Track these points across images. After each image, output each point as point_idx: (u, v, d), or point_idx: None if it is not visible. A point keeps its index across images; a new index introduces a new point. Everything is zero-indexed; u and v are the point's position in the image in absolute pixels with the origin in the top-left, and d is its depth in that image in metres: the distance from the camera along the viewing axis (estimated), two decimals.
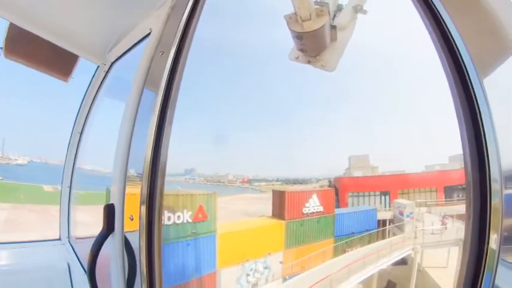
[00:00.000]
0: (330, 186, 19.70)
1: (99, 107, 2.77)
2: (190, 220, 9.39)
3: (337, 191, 16.10)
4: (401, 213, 14.82)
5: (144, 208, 1.12)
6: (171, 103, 1.18)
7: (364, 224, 14.44)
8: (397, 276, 12.92)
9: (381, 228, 14.79)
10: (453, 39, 0.75)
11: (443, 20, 0.77)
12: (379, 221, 15.12)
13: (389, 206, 16.53)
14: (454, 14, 0.75)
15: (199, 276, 9.62)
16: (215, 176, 24.70)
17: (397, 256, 12.74)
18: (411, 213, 14.42)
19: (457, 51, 0.74)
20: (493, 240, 0.66)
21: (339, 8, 1.58)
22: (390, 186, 17.04)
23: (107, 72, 2.48)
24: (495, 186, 0.66)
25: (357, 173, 19.05)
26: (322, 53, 1.42)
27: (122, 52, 2.18)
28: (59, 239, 2.82)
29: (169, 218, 8.93)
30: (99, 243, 1.23)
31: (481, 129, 0.68)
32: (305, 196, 12.96)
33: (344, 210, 14.77)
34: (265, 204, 14.77)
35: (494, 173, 0.66)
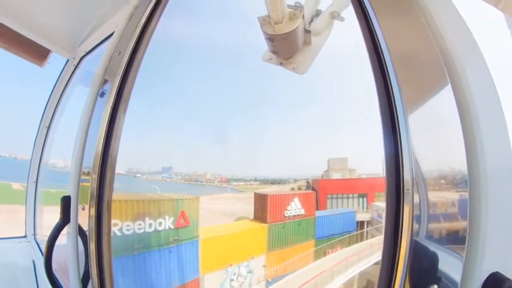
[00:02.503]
0: (308, 186, 19.89)
1: (68, 101, 2.75)
2: (172, 226, 9.15)
3: (316, 192, 16.29)
4: (379, 216, 15.23)
5: (94, 200, 1.18)
6: (125, 98, 1.26)
7: (344, 225, 14.72)
8: (375, 275, 13.20)
9: (360, 231, 15.13)
10: (388, 72, 0.81)
11: (383, 55, 0.82)
12: (357, 222, 15.47)
13: (367, 208, 16.94)
14: (392, 49, 0.80)
15: (182, 283, 9.39)
16: (193, 175, 24.17)
17: (377, 257, 13.05)
18: None
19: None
20: (404, 240, 0.72)
21: (318, 13, 1.59)
22: (367, 189, 17.46)
23: (76, 66, 2.49)
24: (407, 191, 0.73)
25: (336, 175, 19.37)
26: (294, 56, 1.44)
27: (91, 47, 2.22)
28: (25, 237, 2.72)
29: (150, 225, 8.65)
30: (55, 233, 1.28)
31: (400, 149, 0.75)
32: (287, 199, 13.03)
33: (324, 212, 14.96)
34: (245, 204, 14.68)
35: (407, 182, 0.73)
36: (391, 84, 0.78)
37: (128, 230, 8.14)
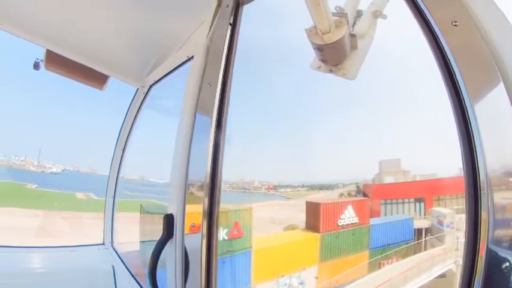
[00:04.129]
0: (358, 191, 19.08)
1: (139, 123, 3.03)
2: (226, 237, 9.24)
3: (368, 198, 15.54)
4: (440, 223, 14.07)
5: (205, 218, 1.28)
6: (223, 126, 1.37)
7: (400, 234, 13.84)
8: None
9: (418, 240, 14.11)
10: (452, 69, 0.83)
11: (444, 51, 0.85)
12: (414, 230, 14.43)
13: (425, 214, 15.76)
14: (452, 46, 0.83)
15: None
16: (240, 183, 24.51)
17: (438, 270, 12.09)
18: (451, 223, 13.63)
19: (456, 79, 0.83)
20: (482, 249, 0.71)
21: (359, 14, 1.57)
22: (424, 192, 16.25)
23: (146, 94, 2.74)
24: (484, 198, 0.72)
25: (388, 179, 18.28)
26: (343, 62, 1.45)
27: (161, 76, 2.41)
28: (103, 244, 3.03)
29: None
30: (159, 247, 1.39)
31: (474, 149, 0.76)
32: (340, 207, 12.56)
33: (378, 220, 14.19)
34: (293, 211, 14.44)
35: (483, 183, 0.73)
36: (458, 83, 0.82)
37: None
